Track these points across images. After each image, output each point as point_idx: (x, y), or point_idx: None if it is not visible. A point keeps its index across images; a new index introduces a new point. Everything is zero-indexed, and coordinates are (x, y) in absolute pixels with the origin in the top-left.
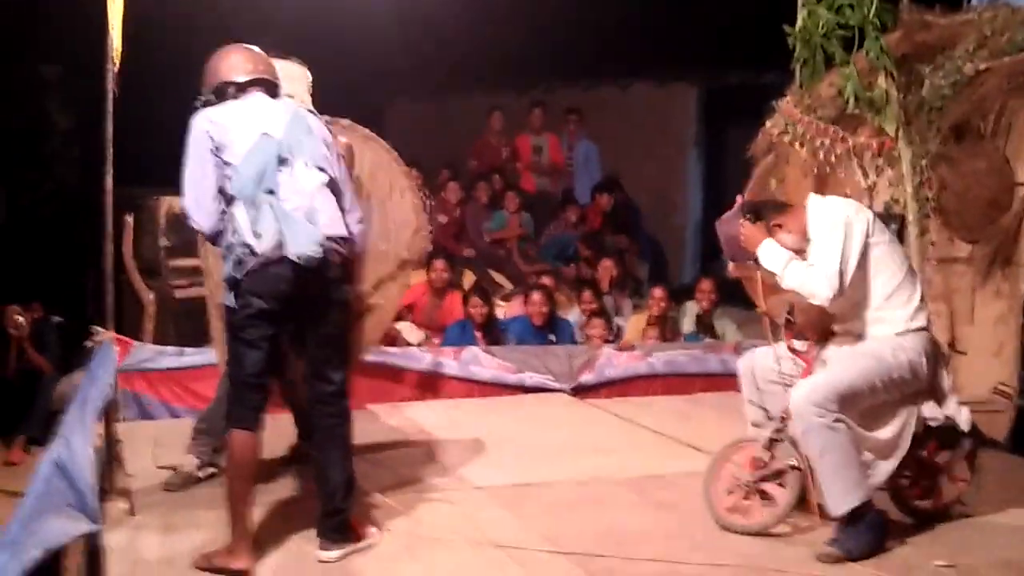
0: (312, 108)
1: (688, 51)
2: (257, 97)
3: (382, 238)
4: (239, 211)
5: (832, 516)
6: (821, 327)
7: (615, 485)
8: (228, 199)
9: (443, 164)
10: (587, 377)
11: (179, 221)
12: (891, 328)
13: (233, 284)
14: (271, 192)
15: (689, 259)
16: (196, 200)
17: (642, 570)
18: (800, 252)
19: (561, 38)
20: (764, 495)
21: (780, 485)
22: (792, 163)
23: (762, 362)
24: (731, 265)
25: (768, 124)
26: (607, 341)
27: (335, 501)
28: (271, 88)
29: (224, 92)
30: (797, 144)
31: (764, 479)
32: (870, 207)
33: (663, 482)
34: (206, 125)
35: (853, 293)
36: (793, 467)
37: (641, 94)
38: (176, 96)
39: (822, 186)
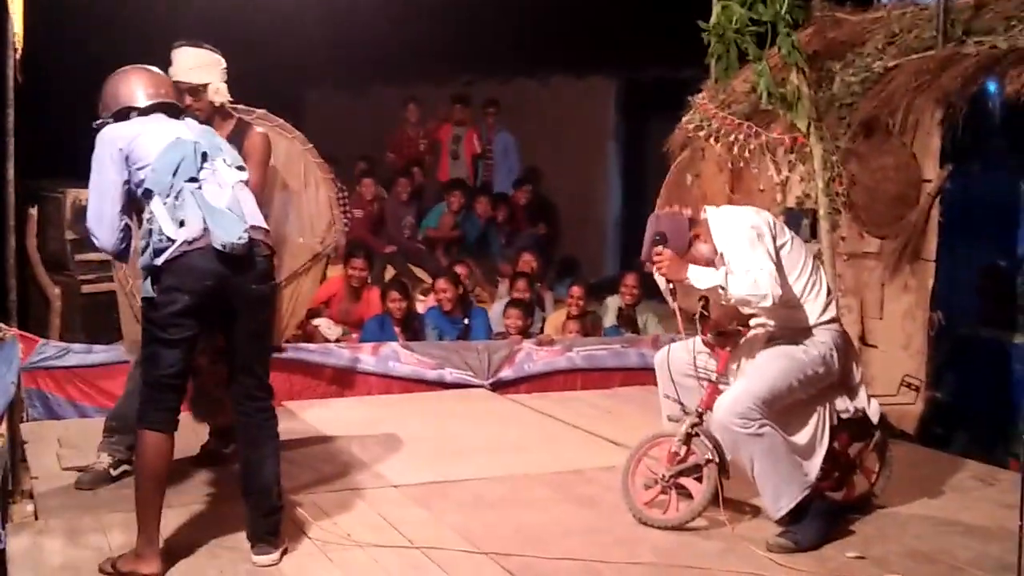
0: (228, 96)
1: (607, 44)
2: (161, 117)
3: (296, 231)
4: (156, 204)
5: (774, 518)
6: (735, 320)
7: (534, 481)
8: (145, 197)
9: (359, 157)
10: (507, 372)
11: (85, 213)
12: (802, 323)
13: (153, 273)
14: (193, 180)
15: (609, 252)
16: (99, 214)
17: (562, 567)
18: (711, 262)
19: (479, 30)
20: (681, 489)
21: (697, 480)
22: (708, 158)
23: (677, 356)
24: (644, 255)
25: (684, 119)
26: (524, 332)
27: (271, 499)
28: (174, 111)
29: (125, 117)
30: (712, 139)
31: (681, 474)
32: (781, 203)
33: (582, 478)
34: (111, 136)
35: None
36: (709, 461)
37: (560, 87)
38: (83, 85)
39: (737, 180)
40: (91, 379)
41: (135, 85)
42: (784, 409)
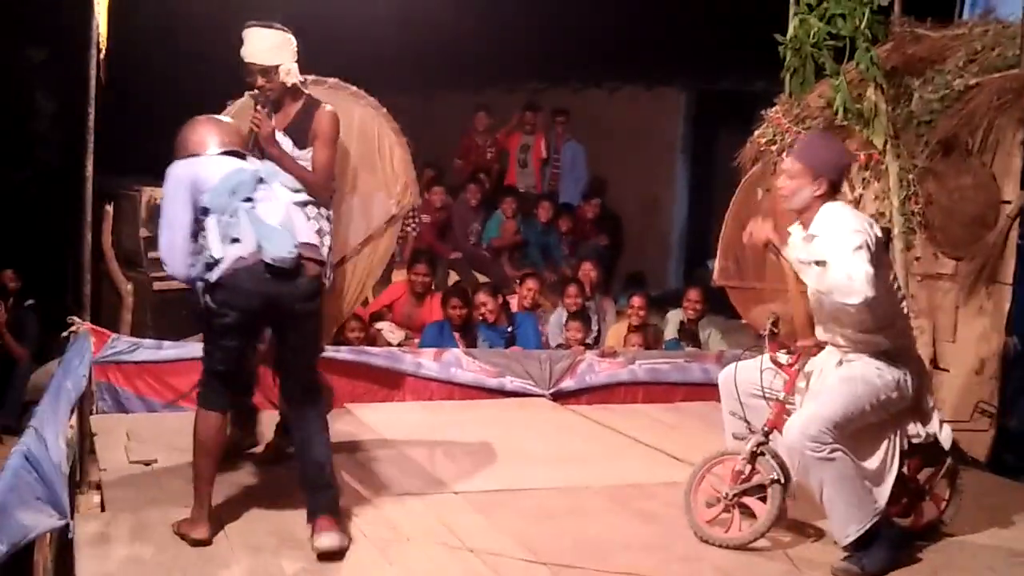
0: (299, 76)
1: (677, 56)
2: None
3: (373, 195)
4: (211, 222)
5: (841, 544)
6: (804, 339)
7: (594, 494)
8: (203, 215)
9: (426, 164)
10: (568, 383)
11: (160, 212)
12: (880, 347)
13: (206, 287)
14: (248, 200)
15: (674, 265)
16: (170, 244)
17: None
18: (783, 217)
19: (550, 39)
20: (745, 509)
21: (761, 500)
22: (779, 173)
23: (744, 375)
24: (716, 273)
25: (756, 133)
26: (585, 344)
27: (324, 475)
28: (240, 156)
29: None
30: (784, 154)
31: (745, 493)
32: None
33: (643, 492)
34: (178, 170)
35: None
36: (775, 481)
37: (628, 98)
38: (164, 86)
39: None
40: (160, 374)
41: (205, 134)
42: (855, 433)
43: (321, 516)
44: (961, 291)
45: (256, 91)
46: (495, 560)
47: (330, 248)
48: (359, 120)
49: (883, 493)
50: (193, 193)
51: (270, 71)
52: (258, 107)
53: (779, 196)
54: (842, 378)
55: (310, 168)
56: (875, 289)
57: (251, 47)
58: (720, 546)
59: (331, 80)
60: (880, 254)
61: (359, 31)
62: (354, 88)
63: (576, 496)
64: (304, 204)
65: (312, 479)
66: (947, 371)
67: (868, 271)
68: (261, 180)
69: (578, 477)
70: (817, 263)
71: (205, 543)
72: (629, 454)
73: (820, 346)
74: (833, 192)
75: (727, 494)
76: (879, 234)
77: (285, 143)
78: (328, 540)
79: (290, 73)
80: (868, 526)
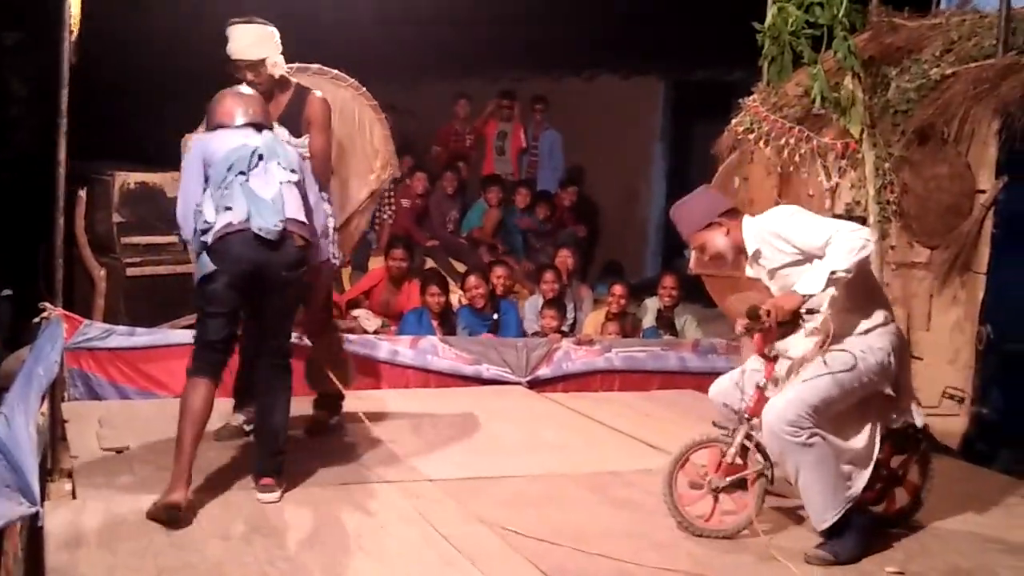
0: (285, 68)
1: (655, 44)
2: (247, 129)
3: (354, 171)
4: (208, 192)
5: (817, 530)
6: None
7: (570, 481)
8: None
9: (405, 152)
10: (544, 371)
11: (133, 197)
12: (858, 328)
13: (201, 251)
14: (243, 174)
15: (651, 253)
16: (184, 214)
17: (596, 567)
18: (726, 258)
19: (528, 28)
20: (727, 498)
21: (745, 490)
22: (756, 161)
23: (728, 391)
24: (692, 262)
25: (734, 121)
26: (561, 331)
27: (278, 442)
28: (261, 128)
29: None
30: (762, 142)
31: (732, 484)
32: (830, 209)
33: (619, 480)
34: (194, 144)
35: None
36: (760, 474)
37: (607, 86)
38: (137, 70)
39: (785, 185)
40: (133, 361)
41: (232, 106)
42: (837, 415)
43: (265, 476)
44: (935, 280)
45: (248, 85)
46: (471, 548)
47: (335, 229)
48: (340, 101)
49: (862, 477)
50: (204, 165)
51: (257, 65)
52: None
53: (719, 268)
54: (824, 361)
55: (307, 154)
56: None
57: (236, 44)
58: (700, 536)
59: (314, 66)
60: None
61: (339, 22)
62: (335, 72)
63: (552, 484)
64: (298, 184)
65: (266, 444)
66: (921, 359)
67: (838, 225)
68: (260, 157)
69: (554, 465)
70: (798, 262)
71: (176, 507)
72: (606, 442)
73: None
74: (734, 217)
75: (714, 485)
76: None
77: (281, 132)
78: (268, 496)
79: (276, 65)
80: (842, 511)
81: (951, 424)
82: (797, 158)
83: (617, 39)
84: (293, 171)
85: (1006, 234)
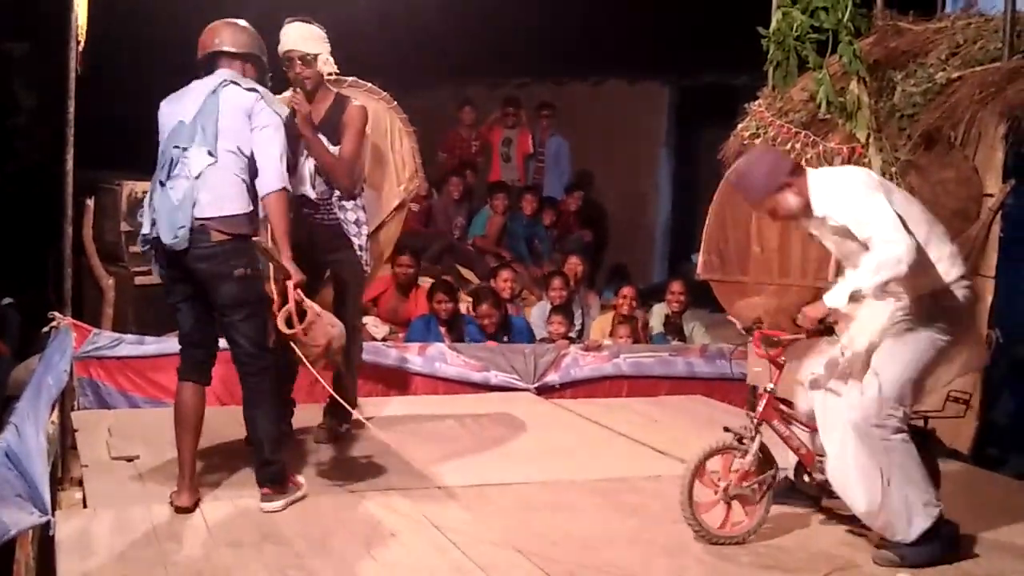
0: (335, 67)
1: (661, 50)
2: (204, 79)
3: (387, 180)
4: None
5: (905, 542)
6: (790, 326)
7: (578, 488)
8: None
9: None
10: (552, 377)
11: (141, 206)
12: (936, 284)
13: None
14: (162, 182)
15: (658, 259)
16: None
17: (605, 575)
18: (797, 218)
19: (534, 33)
20: (739, 503)
21: (757, 495)
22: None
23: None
24: (699, 266)
25: (740, 126)
26: (568, 338)
27: (264, 453)
28: (230, 58)
29: (200, 68)
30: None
31: (745, 489)
32: None
33: (628, 486)
34: (160, 113)
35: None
36: (770, 479)
37: (612, 92)
38: (144, 79)
39: None
40: (142, 370)
41: (204, 38)
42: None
43: (262, 486)
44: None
45: (295, 77)
46: (479, 555)
47: (368, 236)
48: (374, 113)
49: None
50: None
51: (310, 59)
52: (296, 90)
53: (788, 223)
54: (896, 342)
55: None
56: (910, 242)
57: (293, 36)
58: (715, 542)
59: (350, 78)
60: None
61: (343, 27)
62: (369, 85)
63: (560, 490)
64: (218, 164)
65: (256, 455)
66: None
67: (892, 221)
68: (184, 149)
69: (562, 471)
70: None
71: (186, 510)
72: (613, 448)
73: (819, 332)
74: (800, 174)
75: (732, 493)
76: (873, 176)
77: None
78: (269, 505)
79: (328, 63)
80: (935, 520)
81: (963, 431)
82: (803, 163)
83: (623, 45)
84: (211, 152)
85: (1013, 238)
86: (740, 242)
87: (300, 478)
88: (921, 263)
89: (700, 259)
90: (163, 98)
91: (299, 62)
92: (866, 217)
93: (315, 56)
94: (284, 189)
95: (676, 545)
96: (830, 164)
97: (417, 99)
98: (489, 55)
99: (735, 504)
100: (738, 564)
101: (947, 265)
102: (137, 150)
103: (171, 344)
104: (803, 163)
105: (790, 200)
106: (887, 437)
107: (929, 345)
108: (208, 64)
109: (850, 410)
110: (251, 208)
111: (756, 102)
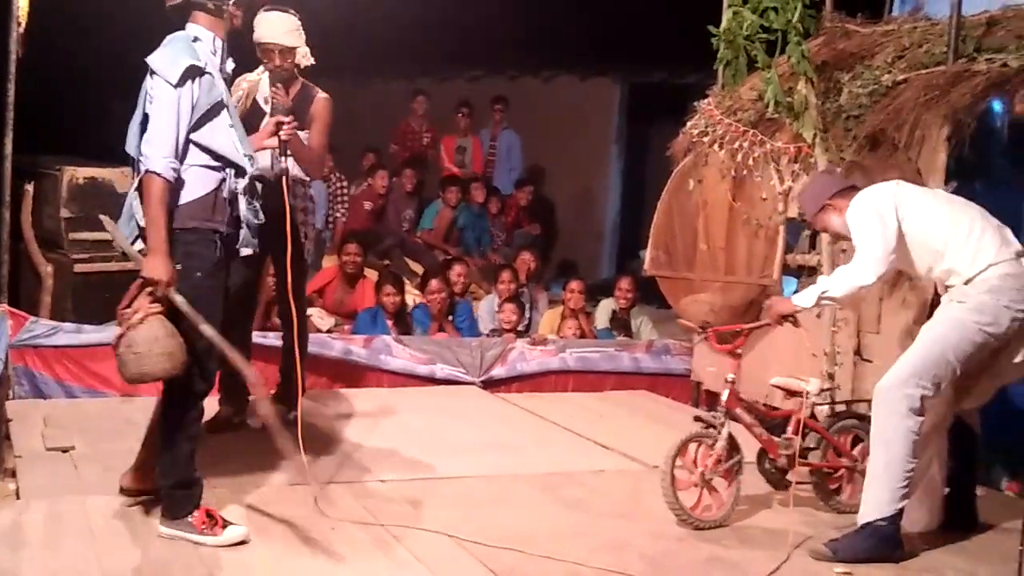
0: (312, 59)
1: (612, 47)
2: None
3: None
4: None
5: (859, 523)
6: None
7: (522, 482)
8: None
9: (364, 148)
10: (499, 370)
11: (82, 192)
12: (959, 276)
13: None
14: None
15: (607, 255)
16: None
17: (546, 569)
18: (839, 235)
19: (487, 27)
20: (715, 490)
21: (726, 480)
22: (711, 164)
23: None
24: (647, 263)
25: (689, 124)
26: (517, 331)
27: (159, 480)
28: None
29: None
30: (716, 145)
31: (718, 474)
32: (783, 213)
33: (571, 480)
34: None
35: (914, 262)
36: (739, 463)
37: (564, 88)
38: (85, 64)
39: (739, 188)
40: (80, 359)
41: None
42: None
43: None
44: (885, 284)
45: (275, 70)
46: (421, 549)
47: (313, 225)
48: None
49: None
50: None
51: (288, 53)
52: (276, 84)
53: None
54: (931, 322)
55: None
56: (882, 265)
57: (272, 29)
58: (696, 527)
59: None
60: (908, 202)
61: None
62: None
63: (504, 484)
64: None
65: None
66: (871, 362)
67: (876, 253)
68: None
69: (506, 465)
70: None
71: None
72: (558, 442)
73: (778, 322)
74: (848, 196)
75: (707, 477)
76: (897, 194)
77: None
78: (160, 528)
79: (306, 56)
80: (888, 515)
81: None
82: (751, 161)
83: (575, 41)
84: (136, 162)
85: None
86: (687, 239)
87: (226, 530)
88: (943, 258)
89: (648, 255)
90: (105, 82)
91: (278, 55)
92: (858, 241)
93: (293, 49)
94: (155, 173)
95: (619, 539)
96: (777, 163)
97: (370, 91)
98: (442, 49)
99: (708, 490)
100: (679, 560)
101: (970, 256)
102: (78, 135)
103: (110, 334)
104: (854, 185)
105: (833, 220)
106: (897, 411)
107: (963, 330)
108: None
109: (879, 385)
110: (186, 199)
111: (706, 100)
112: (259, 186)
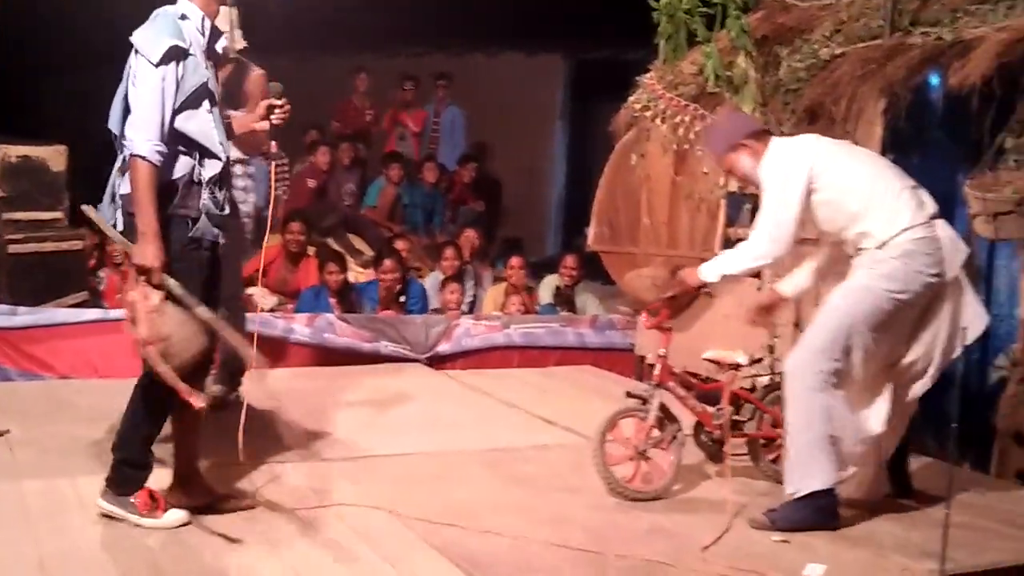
0: (244, 43)
1: (557, 22)
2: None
3: None
4: None
5: (786, 495)
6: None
7: (465, 458)
8: None
9: (308, 126)
10: (444, 347)
11: (16, 171)
12: (873, 240)
13: None
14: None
15: (553, 231)
16: None
17: (488, 543)
18: (748, 177)
19: (431, 2)
20: (651, 461)
21: (665, 451)
22: (653, 138)
23: None
24: (590, 238)
25: (631, 99)
26: (461, 309)
27: (114, 441)
28: None
29: None
30: (658, 120)
31: (653, 446)
32: (725, 186)
33: (514, 455)
34: None
35: (823, 222)
36: (675, 433)
37: (509, 64)
38: (18, 42)
39: (681, 162)
40: (15, 341)
41: None
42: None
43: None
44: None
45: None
46: (362, 527)
47: (254, 204)
48: None
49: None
50: None
51: (224, 35)
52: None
53: (744, 183)
54: (835, 291)
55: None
56: (781, 239)
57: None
58: (633, 499)
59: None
60: (823, 164)
61: None
62: None
63: (447, 460)
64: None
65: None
66: None
67: (776, 222)
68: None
69: (449, 442)
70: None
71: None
72: (502, 418)
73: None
74: (763, 139)
75: (639, 450)
76: (811, 157)
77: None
78: (99, 500)
79: (238, 40)
80: (820, 488)
81: None
82: (692, 135)
83: (520, 16)
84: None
85: None
86: (630, 214)
87: (167, 513)
88: (858, 219)
89: (591, 231)
90: (39, 61)
91: None
92: (767, 202)
93: (226, 34)
94: (141, 157)
95: (561, 513)
96: None
97: (312, 68)
98: (385, 24)
99: (645, 462)
100: (621, 533)
101: (886, 219)
102: (11, 113)
103: (47, 315)
104: (768, 130)
105: (744, 162)
106: (812, 387)
107: (874, 298)
108: None
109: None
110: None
111: (648, 75)
112: (235, 174)
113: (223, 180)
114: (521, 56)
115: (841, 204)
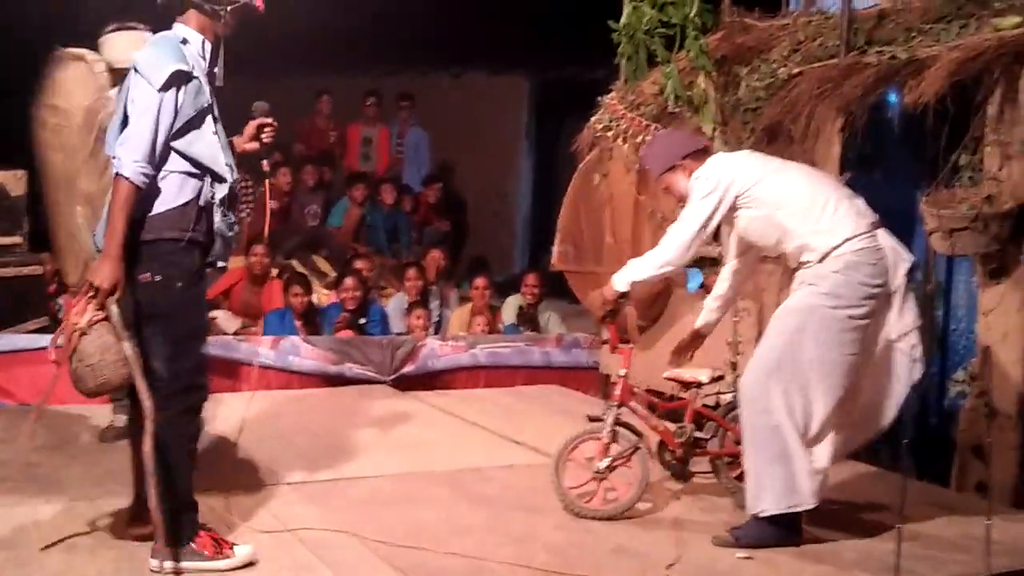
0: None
1: (521, 43)
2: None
3: None
4: None
5: (749, 513)
6: (642, 314)
7: (431, 479)
8: None
9: (272, 147)
10: (409, 369)
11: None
12: (814, 254)
13: None
14: None
15: (519, 251)
16: None
17: (451, 564)
18: (684, 198)
19: (394, 23)
20: (613, 479)
21: (628, 468)
22: (616, 158)
23: None
24: (554, 257)
25: (593, 119)
26: (426, 330)
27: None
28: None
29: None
30: (620, 139)
31: (613, 464)
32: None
33: (480, 476)
34: None
35: (759, 238)
36: (636, 448)
37: (473, 84)
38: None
39: (643, 182)
40: None
41: None
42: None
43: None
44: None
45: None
46: (327, 552)
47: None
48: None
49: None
50: None
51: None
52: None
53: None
54: (777, 314)
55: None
56: (686, 247)
57: (116, 51)
58: (595, 519)
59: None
60: (748, 177)
61: None
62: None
63: (412, 482)
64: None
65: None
66: None
67: (684, 235)
68: None
69: (414, 463)
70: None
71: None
72: (468, 439)
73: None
74: (697, 159)
75: (598, 469)
76: (738, 170)
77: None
78: (153, 562)
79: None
80: (784, 511)
81: None
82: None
83: (484, 37)
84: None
85: None
86: (594, 233)
87: (236, 549)
88: (795, 233)
89: (555, 250)
90: (9, 73)
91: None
92: (683, 212)
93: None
94: (124, 177)
95: (525, 533)
96: None
97: (275, 89)
98: (348, 45)
99: (607, 480)
100: (584, 553)
101: (827, 231)
102: None
103: (6, 341)
104: (707, 148)
105: (680, 182)
106: (765, 410)
107: (821, 318)
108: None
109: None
110: (165, 208)
111: (609, 95)
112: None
113: (232, 201)
114: (485, 76)
115: (775, 219)
